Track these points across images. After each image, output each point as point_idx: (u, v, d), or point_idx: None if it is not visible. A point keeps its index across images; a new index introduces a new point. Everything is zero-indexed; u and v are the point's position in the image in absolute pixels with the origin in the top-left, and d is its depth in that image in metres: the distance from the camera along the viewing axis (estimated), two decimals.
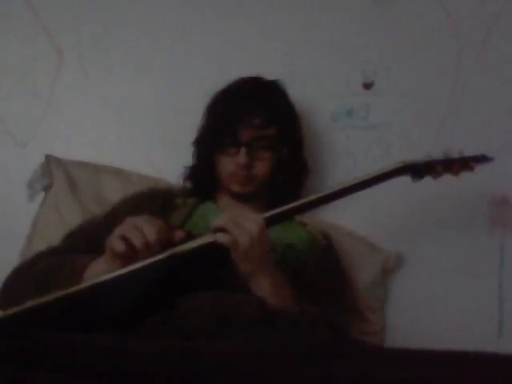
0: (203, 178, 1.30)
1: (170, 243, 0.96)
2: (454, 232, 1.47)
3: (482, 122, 1.47)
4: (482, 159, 1.14)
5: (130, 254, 0.94)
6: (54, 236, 1.25)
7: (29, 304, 0.89)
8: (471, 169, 1.14)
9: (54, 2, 1.52)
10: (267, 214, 0.99)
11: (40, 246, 1.26)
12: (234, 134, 1.20)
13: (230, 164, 1.21)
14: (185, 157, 1.33)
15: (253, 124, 1.20)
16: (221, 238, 0.95)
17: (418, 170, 1.11)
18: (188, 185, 1.33)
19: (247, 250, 0.95)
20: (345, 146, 1.50)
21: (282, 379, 0.69)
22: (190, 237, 0.98)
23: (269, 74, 1.31)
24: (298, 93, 1.42)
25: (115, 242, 0.94)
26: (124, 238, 0.94)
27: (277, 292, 1.00)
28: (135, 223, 0.95)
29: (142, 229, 0.94)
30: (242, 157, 1.19)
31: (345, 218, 1.44)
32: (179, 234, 0.98)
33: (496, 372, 0.68)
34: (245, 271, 0.98)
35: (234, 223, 0.95)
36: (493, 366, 0.70)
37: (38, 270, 1.08)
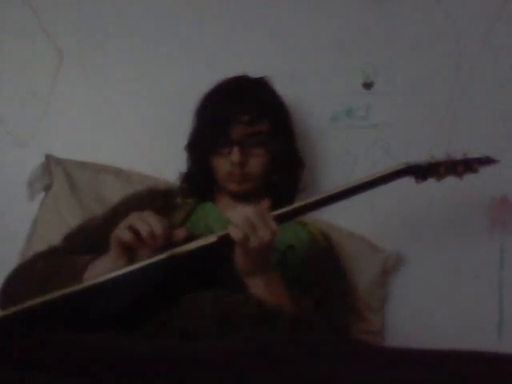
0: (200, 181, 1.29)
1: (173, 241, 0.96)
2: (454, 232, 1.47)
3: (482, 123, 1.47)
4: (486, 161, 1.14)
5: (137, 244, 0.95)
6: (53, 236, 1.25)
7: (28, 303, 0.89)
8: (475, 170, 1.14)
9: (54, 2, 1.52)
10: (277, 212, 1.00)
11: (40, 246, 1.26)
12: (226, 134, 1.19)
13: (224, 164, 1.21)
14: (185, 157, 1.33)
15: (243, 121, 1.19)
16: (234, 232, 0.95)
17: (421, 171, 1.10)
18: (185, 186, 1.33)
19: (254, 252, 0.96)
20: (345, 146, 1.50)
21: (282, 379, 0.69)
22: (190, 237, 0.99)
23: (269, 74, 1.31)
24: (298, 93, 1.42)
25: (123, 233, 0.96)
26: (131, 228, 0.95)
27: (272, 291, 1.00)
28: (141, 215, 0.97)
29: (148, 220, 0.95)
30: (235, 155, 1.19)
31: (345, 218, 1.44)
32: (182, 233, 0.98)
33: (496, 372, 0.68)
34: (242, 269, 0.99)
35: (250, 225, 0.95)
36: (493, 366, 0.70)
37: (37, 271, 1.08)
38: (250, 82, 1.29)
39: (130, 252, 0.97)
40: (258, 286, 0.99)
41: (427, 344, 0.78)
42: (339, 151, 1.50)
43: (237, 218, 0.96)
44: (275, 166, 1.25)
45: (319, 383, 0.68)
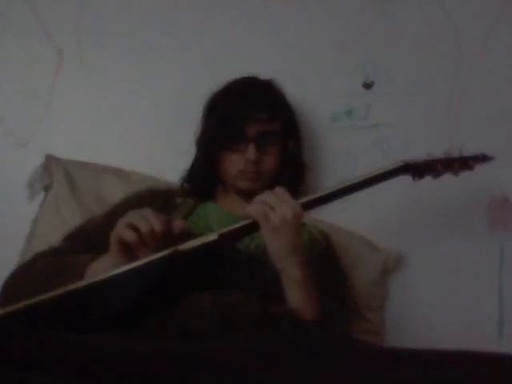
0: (204, 180, 1.29)
1: (171, 235, 0.96)
2: (454, 232, 1.47)
3: (482, 122, 1.47)
4: (481, 158, 1.15)
5: (137, 243, 0.95)
6: (53, 236, 1.25)
7: (27, 302, 0.89)
8: (471, 168, 1.15)
9: (54, 2, 1.52)
10: (302, 200, 1.02)
11: (40, 246, 1.26)
12: (242, 130, 1.20)
13: (238, 161, 1.21)
14: (185, 157, 1.33)
15: (259, 119, 1.20)
16: (252, 210, 0.99)
17: (418, 169, 1.11)
18: (186, 186, 1.32)
19: (277, 228, 0.97)
20: (345, 146, 1.50)
21: (282, 379, 0.69)
22: (189, 232, 0.99)
23: (269, 74, 1.31)
24: (298, 93, 1.42)
25: (123, 231, 0.95)
26: (131, 226, 0.94)
27: (308, 286, 1.00)
28: (140, 213, 0.96)
29: (147, 217, 0.95)
30: (251, 152, 1.19)
31: (345, 218, 1.44)
32: (180, 224, 0.98)
33: (496, 372, 0.68)
34: (273, 252, 1.00)
35: (268, 205, 0.98)
36: (493, 366, 0.70)
37: (37, 271, 1.08)
38: (261, 82, 1.30)
39: (129, 252, 0.96)
40: (294, 279, 1.00)
41: (427, 344, 0.79)
42: (339, 151, 1.50)
43: (255, 201, 1.00)
44: (286, 165, 1.26)
45: (319, 383, 0.68)
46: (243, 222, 1.00)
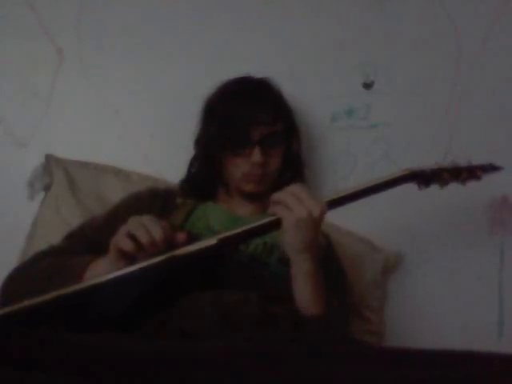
0: (205, 181, 1.29)
1: (172, 244, 0.96)
2: (454, 232, 1.47)
3: (482, 122, 1.47)
4: (489, 168, 1.14)
5: (136, 253, 0.94)
6: (54, 236, 1.25)
7: (28, 302, 0.89)
8: (478, 178, 1.14)
9: (54, 2, 1.52)
10: (327, 199, 1.00)
11: (40, 245, 1.26)
12: (246, 134, 1.19)
13: (243, 164, 1.20)
14: (184, 157, 1.33)
15: (263, 121, 1.19)
16: (276, 208, 0.97)
17: (424, 177, 1.10)
18: (186, 187, 1.32)
19: (301, 220, 0.95)
20: (345, 146, 1.50)
21: (282, 379, 0.69)
22: (189, 237, 0.98)
23: (269, 74, 1.31)
24: (298, 93, 1.42)
25: (122, 241, 0.94)
26: (131, 236, 0.94)
27: (315, 280, 1.00)
28: (141, 221, 0.95)
29: (147, 227, 0.94)
30: (256, 155, 1.18)
31: (345, 218, 1.44)
32: (182, 236, 0.97)
33: (496, 372, 0.68)
34: (289, 244, 0.98)
35: (297, 199, 0.96)
36: (493, 366, 0.70)
37: (38, 271, 1.08)
38: (259, 82, 1.29)
39: (128, 258, 0.96)
40: (301, 272, 0.99)
41: (427, 344, 0.79)
42: (339, 151, 1.50)
43: (284, 191, 0.98)
44: (289, 166, 1.26)
45: (319, 383, 0.69)
46: (242, 228, 0.98)
